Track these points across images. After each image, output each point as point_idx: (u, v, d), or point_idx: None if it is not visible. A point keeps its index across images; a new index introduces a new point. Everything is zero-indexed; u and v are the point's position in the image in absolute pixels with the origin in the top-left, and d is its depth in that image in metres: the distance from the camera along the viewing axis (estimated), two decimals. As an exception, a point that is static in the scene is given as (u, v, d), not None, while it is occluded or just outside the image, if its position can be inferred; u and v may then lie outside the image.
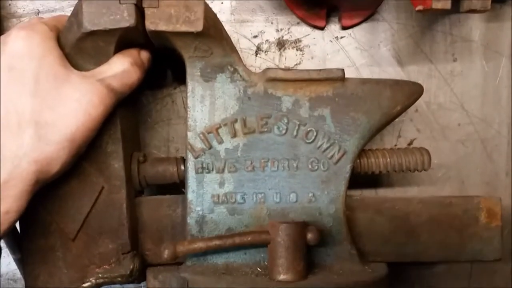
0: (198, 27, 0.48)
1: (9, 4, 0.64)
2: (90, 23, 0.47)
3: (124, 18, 0.47)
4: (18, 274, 0.66)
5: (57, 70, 0.46)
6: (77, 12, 0.48)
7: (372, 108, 0.54)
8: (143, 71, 0.53)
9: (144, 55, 0.54)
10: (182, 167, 0.56)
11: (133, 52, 0.52)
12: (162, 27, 0.48)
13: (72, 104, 0.46)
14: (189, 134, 0.53)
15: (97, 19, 0.47)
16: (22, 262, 0.54)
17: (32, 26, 0.48)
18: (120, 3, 0.47)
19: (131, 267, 0.53)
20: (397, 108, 0.55)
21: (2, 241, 0.56)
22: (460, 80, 0.68)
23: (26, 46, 0.46)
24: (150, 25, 0.48)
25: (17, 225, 0.52)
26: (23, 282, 0.55)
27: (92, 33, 0.47)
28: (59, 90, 0.46)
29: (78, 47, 0.49)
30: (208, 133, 0.53)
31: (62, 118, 0.46)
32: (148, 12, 0.48)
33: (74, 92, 0.47)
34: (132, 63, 0.51)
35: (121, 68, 0.50)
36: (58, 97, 0.46)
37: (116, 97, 0.50)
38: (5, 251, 0.58)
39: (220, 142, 0.53)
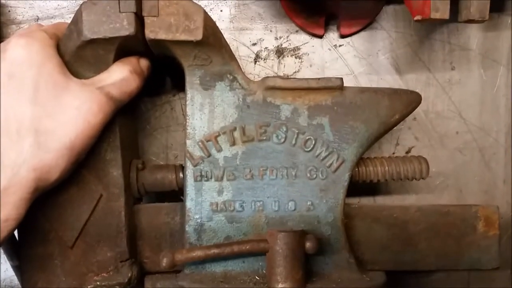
0: (198, 36, 0.48)
1: (9, 11, 0.64)
2: (90, 31, 0.47)
3: (124, 26, 0.47)
4: (15, 280, 0.66)
5: (56, 78, 0.47)
6: (77, 20, 0.48)
7: (370, 116, 0.54)
8: (143, 79, 0.53)
9: (144, 63, 0.54)
10: (181, 175, 0.56)
11: (133, 60, 0.53)
12: (162, 35, 0.48)
13: (72, 112, 0.46)
14: (188, 142, 0.53)
15: (96, 27, 0.47)
16: (20, 269, 0.54)
17: (32, 33, 0.48)
18: (120, 11, 0.47)
19: (129, 275, 0.52)
20: (395, 116, 0.55)
21: (0, 248, 0.56)
22: (458, 88, 0.68)
23: (26, 54, 0.46)
24: (149, 34, 0.48)
25: (15, 232, 0.52)
26: (20, 289, 0.55)
27: (92, 41, 0.47)
28: (58, 98, 0.46)
29: (77, 55, 0.49)
30: (207, 141, 0.53)
31: (62, 126, 0.46)
32: (148, 20, 0.48)
33: (74, 100, 0.47)
34: (132, 71, 0.51)
35: (121, 76, 0.50)
36: (58, 105, 0.46)
37: (115, 105, 0.50)
38: (3, 258, 0.58)
39: (219, 150, 0.54)
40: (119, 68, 0.51)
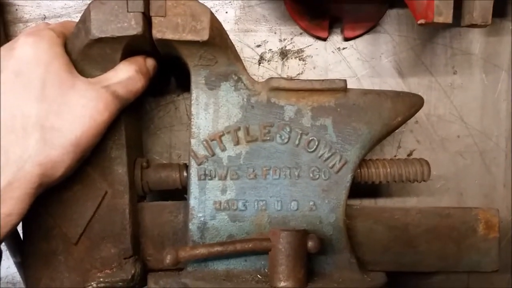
0: (204, 36, 0.49)
1: (16, 9, 0.65)
2: (98, 30, 0.47)
3: (132, 26, 0.47)
4: (17, 277, 0.66)
5: (63, 76, 0.47)
6: (85, 19, 0.48)
7: (373, 118, 0.55)
8: (148, 78, 0.54)
9: (150, 62, 0.55)
10: (185, 174, 0.56)
11: (139, 59, 0.53)
12: (169, 35, 0.49)
13: (78, 110, 0.47)
14: (193, 141, 0.54)
15: (104, 26, 0.47)
16: (22, 265, 0.54)
17: (40, 32, 0.48)
18: (127, 11, 0.47)
19: (133, 272, 0.53)
20: (397, 119, 0.56)
21: (2, 244, 0.56)
22: (459, 92, 0.69)
23: (34, 52, 0.46)
24: (157, 34, 0.49)
25: (19, 229, 0.53)
26: (22, 285, 0.55)
27: (100, 40, 0.48)
28: (65, 96, 0.47)
29: (85, 53, 0.49)
30: (212, 140, 0.54)
31: (68, 123, 0.46)
32: (155, 20, 0.49)
33: (80, 98, 0.47)
34: (138, 71, 0.52)
35: (127, 75, 0.51)
36: (64, 102, 0.46)
37: (121, 104, 0.50)
38: (5, 254, 0.58)
39: (223, 149, 0.54)
40: (126, 67, 0.51)
